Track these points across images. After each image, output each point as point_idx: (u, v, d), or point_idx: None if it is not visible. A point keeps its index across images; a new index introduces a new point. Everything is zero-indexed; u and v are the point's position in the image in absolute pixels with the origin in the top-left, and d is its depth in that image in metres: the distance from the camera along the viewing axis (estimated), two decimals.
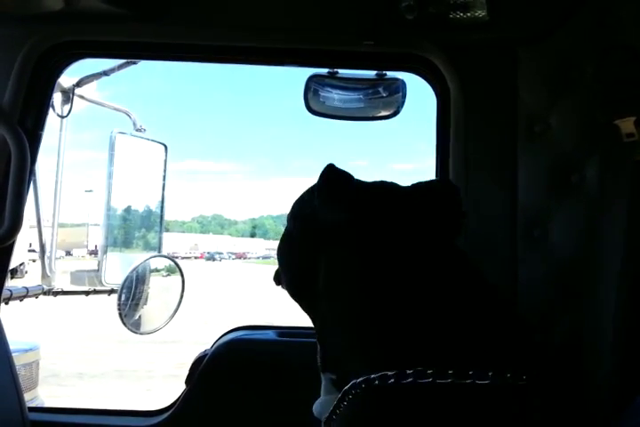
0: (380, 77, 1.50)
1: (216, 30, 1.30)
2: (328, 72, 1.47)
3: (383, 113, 1.58)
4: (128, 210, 2.49)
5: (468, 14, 1.25)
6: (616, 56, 1.19)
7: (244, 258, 66.07)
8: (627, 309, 1.15)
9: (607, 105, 1.17)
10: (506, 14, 1.24)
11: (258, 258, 66.69)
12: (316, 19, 1.28)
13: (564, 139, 1.25)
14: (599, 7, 1.22)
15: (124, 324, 1.79)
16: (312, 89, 1.53)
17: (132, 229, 2.50)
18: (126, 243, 2.50)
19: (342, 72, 1.48)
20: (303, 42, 1.34)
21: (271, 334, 1.53)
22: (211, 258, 60.56)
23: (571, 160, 1.23)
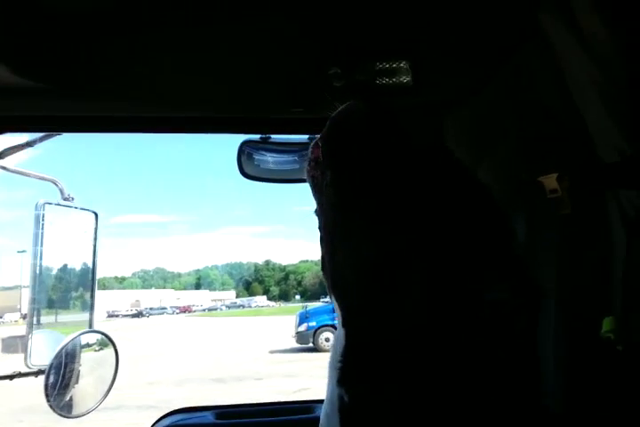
0: (312, 140, 1.51)
1: (143, 102, 1.28)
2: (260, 137, 1.48)
3: None
4: (64, 269, 2.39)
5: (394, 80, 1.30)
6: (533, 115, 1.25)
7: (189, 311, 64.14)
8: (564, 359, 1.16)
9: (530, 162, 1.22)
10: (429, 80, 1.29)
11: (203, 310, 64.95)
12: (245, 88, 1.29)
13: None
14: (516, 70, 1.29)
15: (53, 409, 1.66)
16: (246, 153, 1.53)
17: (69, 289, 2.38)
18: (62, 304, 2.37)
19: (275, 136, 1.49)
20: (233, 111, 1.34)
21: (209, 417, 1.45)
22: (138, 315, 57.27)
23: None
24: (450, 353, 0.77)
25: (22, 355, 1.93)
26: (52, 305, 2.31)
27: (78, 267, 2.37)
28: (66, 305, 2.38)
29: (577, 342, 1.14)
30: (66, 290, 2.39)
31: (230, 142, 1.57)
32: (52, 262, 2.21)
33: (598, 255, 1.16)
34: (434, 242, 0.80)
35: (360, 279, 0.81)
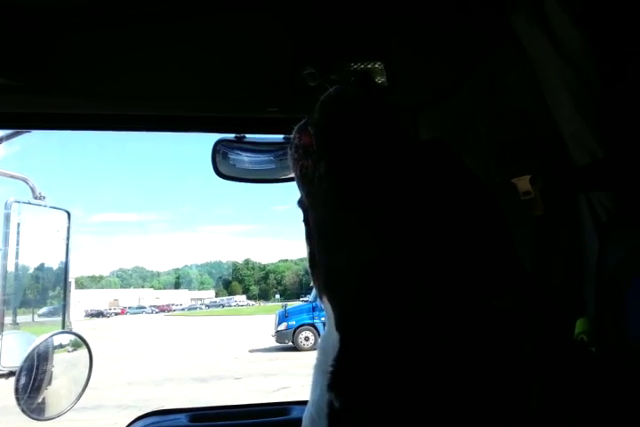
0: (288, 140, 1.50)
1: (114, 100, 1.26)
2: (235, 137, 1.47)
3: None
4: (41, 268, 2.35)
5: None
6: (507, 118, 1.26)
7: (169, 311, 63.66)
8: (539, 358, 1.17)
9: (503, 165, 1.23)
10: (403, 81, 1.29)
11: (183, 310, 64.53)
12: (220, 87, 1.28)
13: None
14: (489, 73, 1.29)
15: (24, 411, 1.63)
16: (221, 152, 1.51)
17: (46, 287, 2.34)
18: (39, 303, 2.34)
19: (250, 136, 1.48)
20: (208, 110, 1.33)
21: (183, 420, 1.43)
22: (98, 315, 53.34)
23: None
24: (448, 363, 0.74)
25: None
26: (28, 304, 2.28)
27: (55, 266, 2.33)
28: (43, 304, 2.34)
29: (550, 342, 1.15)
30: (43, 289, 2.36)
31: (209, 140, 1.55)
32: (29, 262, 2.17)
33: (571, 257, 1.17)
34: (440, 246, 0.76)
35: (362, 283, 0.77)
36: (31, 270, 2.28)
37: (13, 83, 1.16)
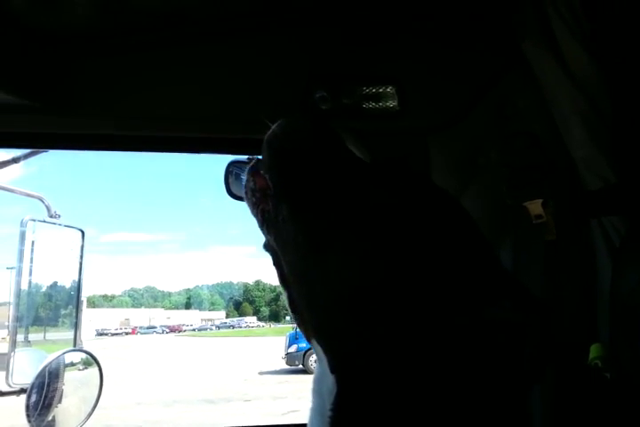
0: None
1: (128, 121, 1.29)
2: (247, 158, 1.48)
3: None
4: (54, 286, 2.36)
5: (380, 104, 1.32)
6: (518, 142, 1.26)
7: (179, 331, 63.45)
8: (552, 385, 1.16)
9: (514, 189, 1.23)
10: (415, 105, 1.31)
11: (193, 330, 64.30)
12: (232, 109, 1.30)
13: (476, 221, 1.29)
14: (500, 97, 1.31)
15: None
16: (233, 173, 1.53)
17: (58, 306, 2.35)
18: (52, 321, 2.35)
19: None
20: (220, 131, 1.35)
21: None
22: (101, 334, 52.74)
23: None
24: (453, 398, 0.71)
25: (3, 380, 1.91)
26: (40, 322, 2.29)
27: (68, 285, 2.35)
28: (55, 323, 2.35)
29: (564, 369, 1.14)
30: (55, 308, 2.37)
31: (221, 161, 1.56)
32: (42, 280, 2.19)
33: (584, 281, 1.16)
34: (423, 266, 0.73)
35: (351, 322, 0.73)
36: (44, 289, 2.29)
37: (31, 103, 1.19)
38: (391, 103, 1.31)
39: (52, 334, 2.31)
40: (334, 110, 1.29)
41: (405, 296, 0.72)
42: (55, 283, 2.35)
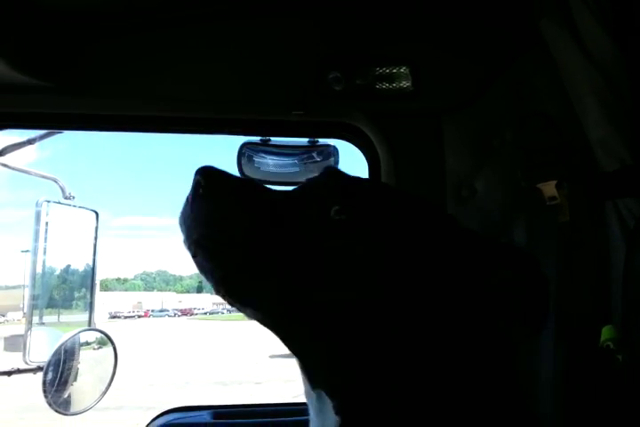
0: (313, 144, 1.52)
1: (143, 101, 1.29)
2: (260, 140, 1.48)
3: None
4: (67, 270, 2.39)
5: (394, 85, 1.31)
6: (533, 123, 1.25)
7: (191, 314, 64.10)
8: (564, 366, 1.16)
9: (529, 170, 1.22)
10: (429, 85, 1.30)
11: (205, 314, 64.92)
12: (246, 90, 1.30)
13: (490, 203, 1.29)
14: (515, 78, 1.29)
15: (51, 405, 1.65)
16: (246, 155, 1.53)
17: (72, 289, 2.38)
18: (65, 304, 2.37)
19: (274, 139, 1.50)
20: (233, 112, 1.35)
21: (206, 416, 1.44)
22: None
23: (498, 223, 1.27)
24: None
25: (17, 366, 1.94)
26: (54, 305, 2.31)
27: (81, 268, 2.37)
28: (69, 305, 2.38)
29: (576, 351, 1.14)
30: (69, 290, 2.39)
31: (234, 145, 1.56)
32: (56, 263, 2.21)
33: (597, 263, 1.15)
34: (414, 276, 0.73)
35: (355, 367, 0.72)
36: (58, 271, 2.32)
37: (45, 83, 1.20)
38: (405, 84, 1.30)
39: (66, 317, 2.33)
40: (348, 91, 1.28)
41: (404, 330, 0.71)
42: (69, 266, 2.38)
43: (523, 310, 0.73)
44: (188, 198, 0.79)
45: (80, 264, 2.36)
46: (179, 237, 0.79)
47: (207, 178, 0.77)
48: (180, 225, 0.79)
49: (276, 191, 0.85)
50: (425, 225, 0.78)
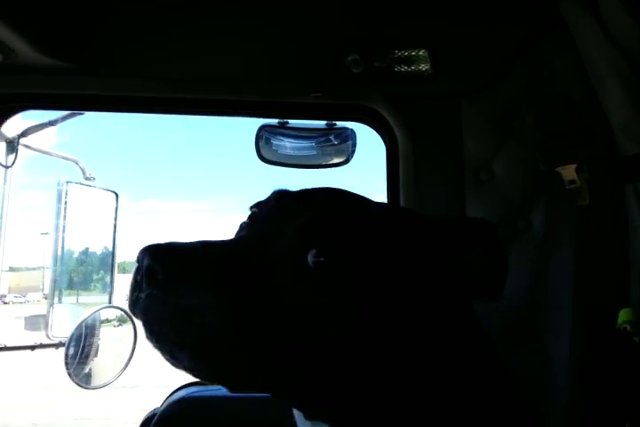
0: (330, 127, 1.52)
1: (163, 83, 1.30)
2: (278, 122, 1.49)
3: (335, 160, 1.60)
4: (85, 252, 2.43)
5: (413, 68, 1.30)
6: (554, 106, 1.24)
7: None
8: (580, 349, 1.16)
9: (548, 153, 1.21)
10: (448, 68, 1.29)
11: None
12: (265, 71, 1.30)
13: (509, 186, 1.28)
14: (535, 61, 1.27)
15: (72, 377, 1.70)
16: (264, 138, 1.54)
17: (90, 271, 2.43)
18: (84, 285, 2.42)
19: (292, 122, 1.50)
20: (252, 94, 1.35)
21: (224, 390, 1.46)
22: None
23: (516, 207, 1.27)
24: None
25: (44, 332, 1.99)
26: (73, 286, 2.36)
27: (99, 250, 2.41)
28: (87, 287, 2.43)
29: (593, 333, 1.14)
30: (87, 272, 2.44)
31: (251, 129, 1.56)
32: (74, 245, 2.24)
33: (616, 247, 1.15)
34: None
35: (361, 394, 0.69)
36: (76, 254, 2.36)
37: (67, 64, 1.21)
38: (424, 66, 1.29)
39: (85, 298, 2.38)
40: (366, 73, 1.28)
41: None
42: (87, 248, 2.42)
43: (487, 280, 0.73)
44: (139, 286, 0.65)
45: (98, 247, 2.40)
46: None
47: (163, 262, 0.63)
48: (144, 321, 0.65)
49: (237, 246, 0.70)
50: (403, 242, 0.71)
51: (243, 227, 0.79)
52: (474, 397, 0.72)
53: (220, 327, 0.62)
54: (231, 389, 0.72)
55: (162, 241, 0.65)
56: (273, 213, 0.74)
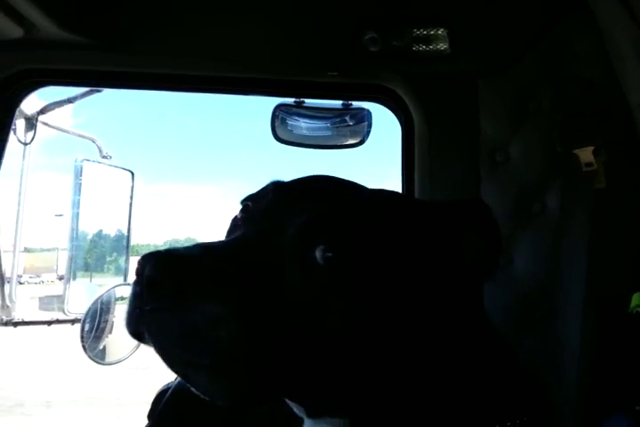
0: (346, 107, 1.52)
1: (180, 60, 1.30)
2: (294, 101, 1.49)
3: (350, 141, 1.60)
4: (99, 234, 2.46)
5: (431, 47, 1.29)
6: (573, 88, 1.22)
7: None
8: (592, 333, 1.16)
9: (566, 135, 1.20)
10: (466, 48, 1.27)
11: None
12: (282, 50, 1.30)
13: (524, 168, 1.27)
14: (555, 41, 1.26)
15: (88, 355, 1.73)
16: (279, 117, 1.54)
17: (103, 253, 2.45)
18: (97, 267, 2.45)
19: (308, 101, 1.50)
20: (269, 72, 1.35)
21: None
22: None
23: (532, 189, 1.26)
24: None
25: (58, 312, 2.02)
26: (87, 268, 2.39)
27: (113, 233, 2.44)
28: (100, 269, 2.46)
29: (606, 317, 1.14)
30: (100, 254, 2.47)
31: (263, 116, 1.56)
32: (88, 228, 2.26)
33: (631, 231, 1.14)
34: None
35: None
36: (90, 236, 2.39)
37: (88, 40, 1.21)
38: (442, 46, 1.28)
39: (98, 280, 2.41)
40: (384, 52, 1.27)
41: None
42: (100, 230, 2.45)
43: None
44: (140, 299, 0.59)
45: (112, 229, 2.42)
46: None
47: (169, 272, 0.58)
48: (154, 339, 0.60)
49: (243, 248, 0.66)
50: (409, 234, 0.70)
51: (237, 222, 0.77)
52: (480, 383, 0.73)
53: (241, 337, 0.59)
54: (251, 406, 0.69)
55: (160, 249, 0.61)
56: (272, 209, 0.72)
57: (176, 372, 0.61)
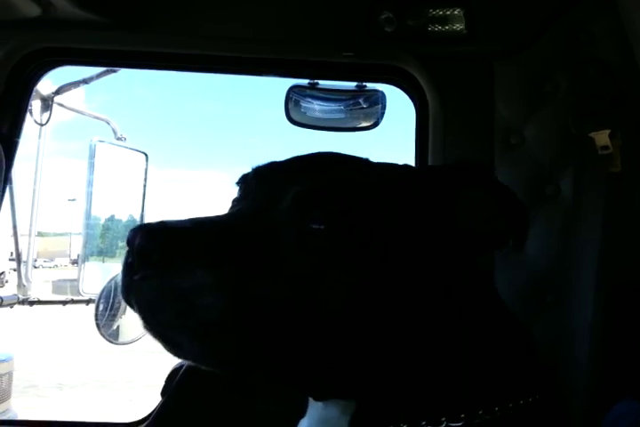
0: (360, 89, 1.51)
1: (196, 40, 1.30)
2: (309, 83, 1.48)
3: (363, 124, 1.59)
4: (111, 219, 2.48)
5: (447, 27, 1.28)
6: (590, 70, 1.21)
7: None
8: (604, 316, 1.16)
9: (582, 118, 1.19)
10: (483, 28, 1.26)
11: None
12: (296, 30, 1.29)
13: (539, 151, 1.27)
14: (572, 23, 1.24)
15: (102, 334, 1.76)
16: (293, 99, 1.54)
17: (115, 238, 2.47)
18: (109, 252, 2.48)
19: (322, 83, 1.49)
20: (283, 53, 1.35)
21: None
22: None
23: (546, 172, 1.25)
24: None
25: (70, 296, 2.05)
26: (100, 253, 2.41)
27: (125, 218, 2.45)
28: (112, 254, 2.48)
29: (617, 299, 1.14)
30: (112, 239, 2.48)
31: (277, 104, 1.55)
32: (101, 213, 2.27)
33: None
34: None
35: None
36: (102, 221, 2.40)
37: (104, 19, 1.22)
38: (458, 26, 1.27)
39: (110, 265, 2.43)
40: (399, 32, 1.26)
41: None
42: (113, 215, 2.46)
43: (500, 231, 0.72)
44: (131, 268, 0.61)
45: (124, 214, 2.44)
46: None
47: (158, 241, 0.59)
48: (139, 305, 0.61)
49: (235, 220, 0.68)
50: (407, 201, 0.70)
51: (235, 203, 0.77)
52: (491, 360, 0.73)
53: (227, 305, 0.59)
54: (237, 374, 0.71)
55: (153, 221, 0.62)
56: (265, 184, 0.72)
57: (155, 334, 0.61)
